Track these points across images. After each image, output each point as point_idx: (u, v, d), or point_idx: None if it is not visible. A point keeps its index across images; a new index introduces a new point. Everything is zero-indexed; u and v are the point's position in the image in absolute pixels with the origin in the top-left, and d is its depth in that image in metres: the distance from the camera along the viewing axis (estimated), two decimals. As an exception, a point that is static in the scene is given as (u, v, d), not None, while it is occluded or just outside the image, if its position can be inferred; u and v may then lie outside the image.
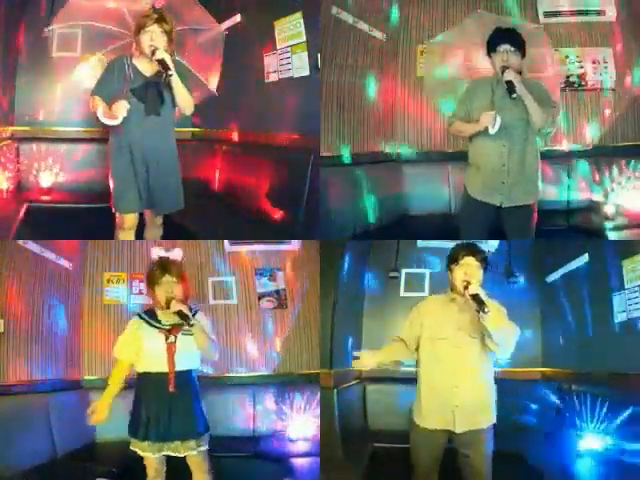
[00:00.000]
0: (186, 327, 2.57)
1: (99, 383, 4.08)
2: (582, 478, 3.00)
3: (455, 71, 3.29)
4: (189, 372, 2.65)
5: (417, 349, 2.63)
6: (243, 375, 4.40)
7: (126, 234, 3.36)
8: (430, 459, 2.61)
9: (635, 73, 4.46)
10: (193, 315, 2.60)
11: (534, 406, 3.93)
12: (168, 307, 2.56)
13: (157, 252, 2.70)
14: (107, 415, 2.61)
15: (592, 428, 3.32)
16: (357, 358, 2.65)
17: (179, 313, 2.52)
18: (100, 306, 4.34)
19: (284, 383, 4.29)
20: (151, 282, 2.65)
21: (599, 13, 4.49)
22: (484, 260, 2.53)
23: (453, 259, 2.55)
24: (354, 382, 3.94)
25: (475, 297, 2.35)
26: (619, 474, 2.89)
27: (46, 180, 5.04)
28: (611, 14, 4.46)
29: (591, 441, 3.30)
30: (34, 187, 4.99)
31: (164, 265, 2.66)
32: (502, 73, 2.94)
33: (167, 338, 2.58)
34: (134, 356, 2.63)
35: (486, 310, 2.30)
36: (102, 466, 3.22)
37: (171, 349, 2.57)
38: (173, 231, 3.70)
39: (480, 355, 2.51)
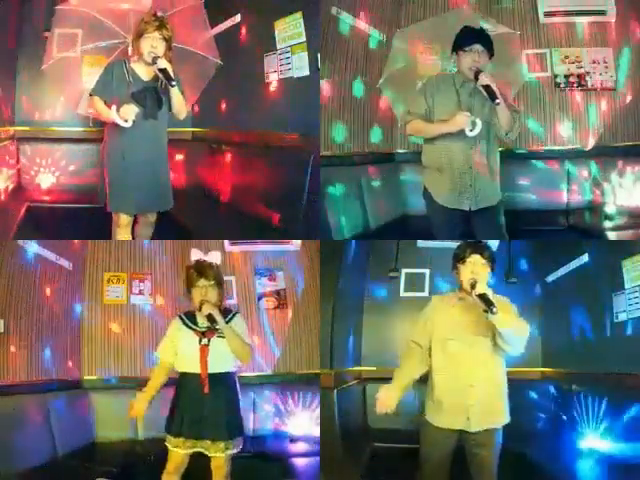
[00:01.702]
0: (221, 330, 2.59)
1: (99, 383, 4.10)
2: (582, 478, 3.00)
3: (411, 65, 3.22)
4: (225, 375, 2.66)
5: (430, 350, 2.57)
6: (243, 375, 4.39)
7: (122, 231, 3.44)
8: (441, 457, 2.57)
9: (635, 73, 4.46)
10: (231, 318, 2.65)
11: (534, 406, 3.92)
12: (201, 309, 2.59)
13: (196, 254, 2.74)
14: (145, 411, 2.65)
15: (592, 428, 3.32)
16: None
17: (208, 316, 2.54)
18: (100, 306, 4.34)
19: (284, 383, 4.29)
20: (188, 284, 2.68)
21: (599, 13, 4.49)
22: (491, 258, 2.48)
23: (459, 258, 2.49)
24: (354, 382, 3.94)
25: (482, 297, 2.30)
26: (619, 474, 2.89)
27: (46, 180, 5.05)
28: (611, 14, 4.46)
29: (591, 441, 3.30)
30: (34, 187, 5.00)
31: (200, 268, 2.67)
32: (476, 75, 2.82)
33: (201, 340, 2.61)
34: (173, 356, 2.67)
35: (494, 310, 2.26)
36: (102, 466, 3.21)
37: (204, 351, 2.59)
38: (173, 231, 3.70)
39: (492, 354, 2.47)
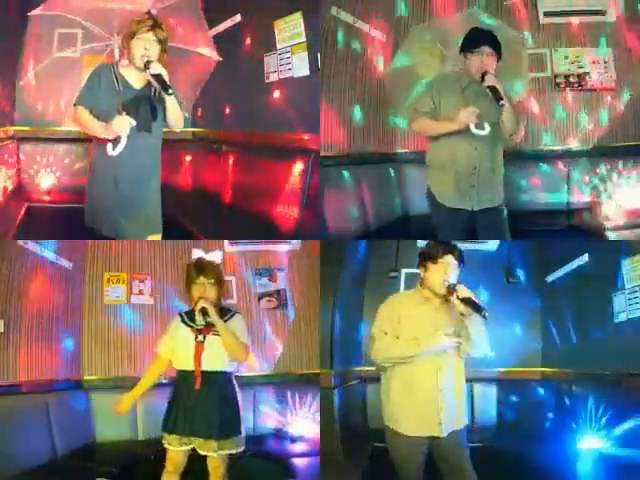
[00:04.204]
0: (216, 326, 2.61)
1: (99, 383, 4.10)
2: (582, 478, 3.00)
3: (417, 65, 3.21)
4: (220, 373, 2.66)
5: None
6: (243, 375, 4.39)
7: None
8: (416, 465, 2.48)
9: (635, 73, 4.46)
10: (230, 317, 2.67)
11: (534, 406, 3.93)
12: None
13: (197, 253, 2.77)
14: (129, 408, 2.71)
15: (592, 428, 3.32)
16: None
17: (202, 310, 2.57)
18: (100, 306, 4.34)
19: (284, 383, 4.29)
20: (187, 282, 2.70)
21: (599, 13, 4.48)
22: (461, 259, 2.44)
23: (430, 256, 2.43)
24: (354, 382, 3.93)
25: (468, 301, 2.27)
26: (619, 474, 2.89)
27: (46, 180, 5.04)
28: (611, 14, 4.46)
29: (591, 441, 3.31)
30: (34, 187, 4.99)
31: (201, 266, 2.69)
32: (482, 76, 2.83)
33: (197, 337, 2.63)
34: (171, 353, 2.70)
35: (486, 315, 2.23)
36: (102, 466, 3.22)
37: (198, 348, 2.61)
38: (173, 231, 3.69)
39: (456, 356, 2.44)
